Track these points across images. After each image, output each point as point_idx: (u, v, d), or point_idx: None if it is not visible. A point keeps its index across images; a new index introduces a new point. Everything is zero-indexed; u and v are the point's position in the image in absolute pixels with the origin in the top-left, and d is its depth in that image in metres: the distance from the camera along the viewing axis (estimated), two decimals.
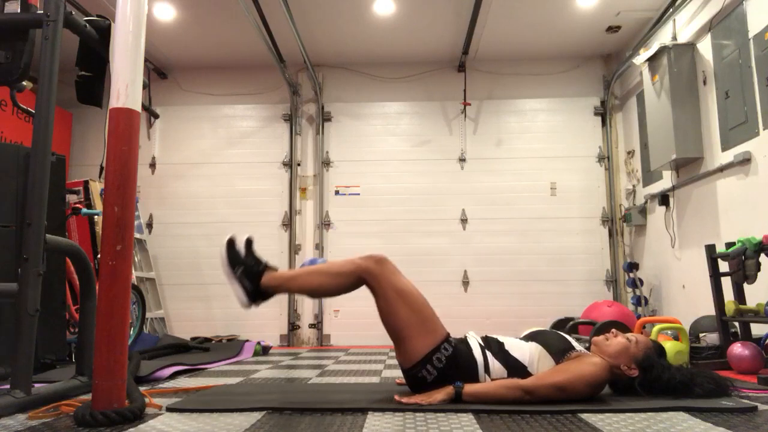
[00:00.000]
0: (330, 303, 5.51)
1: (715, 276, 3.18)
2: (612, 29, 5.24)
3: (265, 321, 5.53)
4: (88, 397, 1.72)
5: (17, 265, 1.87)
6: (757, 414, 1.69)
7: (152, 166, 5.94)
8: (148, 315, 5.08)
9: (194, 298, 5.61)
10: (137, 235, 5.41)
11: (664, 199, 4.73)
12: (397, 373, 2.70)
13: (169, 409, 1.78)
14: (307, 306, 5.62)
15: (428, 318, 1.92)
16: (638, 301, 4.97)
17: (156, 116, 5.98)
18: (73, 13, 2.08)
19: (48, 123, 1.92)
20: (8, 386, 1.83)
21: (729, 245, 3.09)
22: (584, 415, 1.66)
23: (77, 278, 2.49)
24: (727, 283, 3.14)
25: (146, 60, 4.60)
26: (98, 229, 4.49)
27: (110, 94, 1.75)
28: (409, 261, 5.58)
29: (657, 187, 4.89)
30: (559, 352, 1.90)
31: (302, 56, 5.37)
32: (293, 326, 5.61)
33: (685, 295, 4.49)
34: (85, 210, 3.72)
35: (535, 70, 5.88)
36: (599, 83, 5.85)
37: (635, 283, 5.04)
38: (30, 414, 1.72)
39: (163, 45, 5.53)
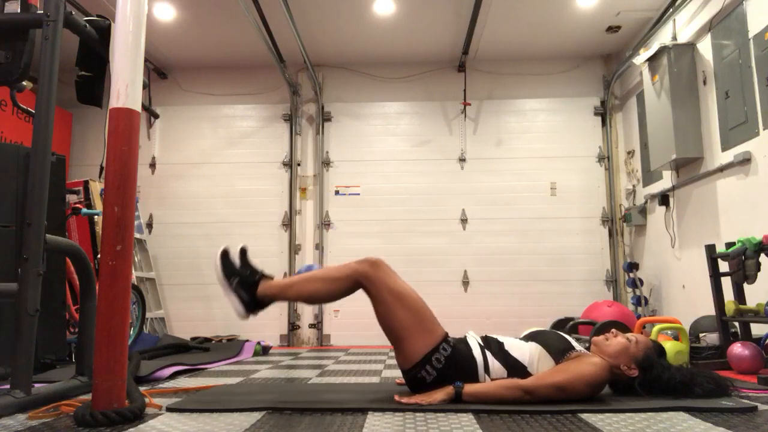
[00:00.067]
0: (330, 303, 5.50)
1: (715, 276, 3.18)
2: (612, 29, 5.24)
3: (265, 321, 5.52)
4: (88, 397, 1.72)
5: (17, 265, 1.87)
6: (757, 414, 1.69)
7: (152, 166, 5.94)
8: (148, 315, 5.08)
9: (194, 298, 5.61)
10: (137, 235, 5.41)
11: (664, 199, 4.73)
12: (397, 373, 2.70)
13: (169, 409, 1.78)
14: (307, 306, 5.62)
15: (426, 318, 1.92)
16: (638, 301, 4.97)
17: (156, 116, 5.98)
18: (73, 13, 2.08)
19: (48, 123, 1.92)
20: (8, 386, 1.83)
21: (729, 245, 3.09)
22: (584, 415, 1.66)
23: (77, 278, 2.50)
24: (727, 283, 3.14)
25: (146, 60, 4.60)
26: (98, 229, 4.49)
27: (110, 94, 1.75)
28: (409, 261, 5.59)
29: (657, 187, 4.89)
30: (559, 352, 1.90)
31: (302, 56, 5.37)
32: (293, 326, 5.61)
33: (685, 295, 4.49)
34: (85, 210, 3.72)
35: (535, 70, 5.88)
36: (599, 83, 5.85)
37: (635, 283, 5.04)
38: (30, 414, 1.72)
39: (163, 45, 5.53)
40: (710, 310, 3.30)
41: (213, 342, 4.68)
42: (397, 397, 1.85)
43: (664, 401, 1.81)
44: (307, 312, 5.64)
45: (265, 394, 2.08)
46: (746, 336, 3.03)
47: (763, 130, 3.42)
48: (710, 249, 3.23)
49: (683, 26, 4.39)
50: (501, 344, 1.97)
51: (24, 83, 2.25)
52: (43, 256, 1.88)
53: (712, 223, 4.03)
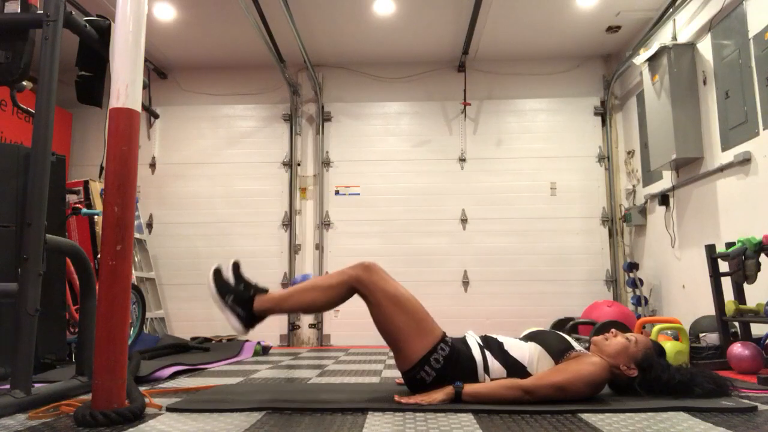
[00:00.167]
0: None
1: (715, 276, 3.18)
2: (612, 29, 5.24)
3: (265, 321, 5.50)
4: (88, 397, 1.72)
5: (17, 265, 1.87)
6: (757, 414, 1.69)
7: (152, 166, 5.94)
8: (148, 315, 5.08)
9: (194, 298, 5.60)
10: (137, 235, 5.41)
11: (664, 199, 4.73)
12: (397, 373, 2.70)
13: (169, 409, 1.78)
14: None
15: (422, 320, 1.92)
16: (638, 301, 4.97)
17: (156, 116, 5.98)
18: (73, 13, 2.08)
19: (48, 123, 1.92)
20: (8, 386, 1.83)
21: (729, 245, 3.09)
22: (584, 415, 1.66)
23: (77, 278, 2.50)
24: (727, 283, 3.14)
25: (146, 60, 4.60)
26: (98, 229, 4.49)
27: (110, 94, 1.74)
28: (409, 261, 5.59)
29: (657, 187, 4.89)
30: (559, 352, 1.90)
31: (302, 56, 5.37)
32: (293, 326, 5.61)
33: (685, 295, 4.49)
34: (85, 210, 3.72)
35: (535, 70, 5.88)
36: (599, 83, 5.85)
37: (635, 283, 5.04)
38: (30, 414, 1.72)
39: (163, 45, 5.53)
40: (710, 310, 3.30)
41: (213, 342, 4.68)
42: (396, 397, 1.85)
43: (664, 401, 1.81)
44: None
45: (265, 394, 2.08)
46: (746, 336, 3.03)
47: (763, 130, 3.42)
48: (710, 249, 3.23)
49: (683, 26, 4.39)
50: (500, 344, 1.97)
51: (24, 83, 2.25)
52: (43, 256, 1.88)
53: (712, 223, 4.03)
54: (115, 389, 1.62)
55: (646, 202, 5.19)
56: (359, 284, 1.93)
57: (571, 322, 3.81)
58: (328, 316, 5.58)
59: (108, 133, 1.72)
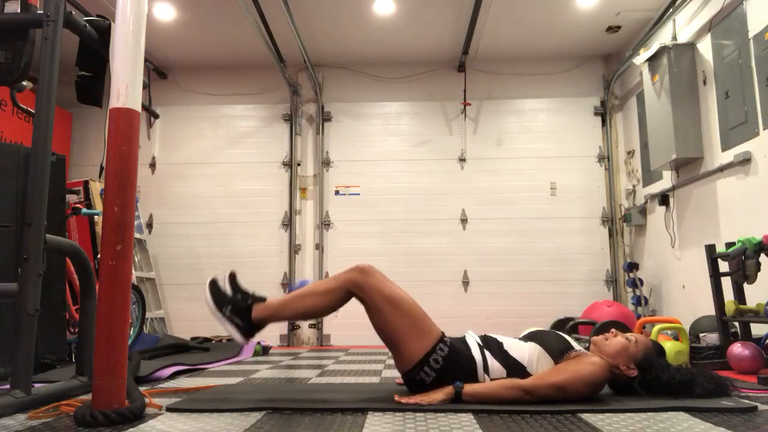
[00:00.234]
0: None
1: (715, 276, 3.18)
2: (612, 29, 5.24)
3: None
4: (88, 397, 1.72)
5: (17, 265, 1.87)
6: (757, 414, 1.69)
7: (152, 166, 5.94)
8: (148, 315, 5.08)
9: (194, 298, 5.60)
10: (137, 235, 5.41)
11: (664, 199, 4.73)
12: (397, 373, 2.69)
13: (169, 409, 1.78)
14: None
15: (420, 320, 1.92)
16: (638, 301, 4.97)
17: (156, 116, 5.98)
18: (73, 13, 2.07)
19: (48, 123, 1.92)
20: (8, 386, 1.83)
21: (729, 245, 3.09)
22: (584, 415, 1.66)
23: (77, 278, 2.50)
24: (727, 283, 3.14)
25: (146, 60, 4.60)
26: (98, 229, 4.49)
27: (110, 94, 1.74)
28: (409, 261, 5.59)
29: (657, 187, 4.89)
30: (558, 352, 1.90)
31: (302, 56, 5.37)
32: (293, 326, 5.61)
33: (685, 295, 4.49)
34: (85, 210, 3.72)
35: (535, 70, 5.88)
36: (599, 83, 5.85)
37: (635, 283, 5.04)
38: (30, 414, 1.72)
39: (163, 45, 5.53)
40: (710, 310, 3.30)
41: (213, 342, 4.68)
42: (396, 397, 1.85)
43: (664, 401, 1.81)
44: None
45: (265, 394, 2.08)
46: (746, 336, 3.03)
47: (763, 130, 3.42)
48: (710, 249, 3.23)
49: (683, 26, 4.39)
50: (500, 344, 1.97)
51: (24, 83, 2.25)
52: (43, 256, 1.88)
53: (712, 223, 4.03)
54: (115, 389, 1.62)
55: (646, 202, 5.19)
56: (356, 288, 1.93)
57: (571, 322, 3.82)
58: (328, 316, 5.57)
59: (108, 133, 1.72)
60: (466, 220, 5.69)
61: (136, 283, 4.92)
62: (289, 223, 5.78)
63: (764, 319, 2.79)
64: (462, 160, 5.80)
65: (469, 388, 1.80)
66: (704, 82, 4.10)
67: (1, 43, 2.01)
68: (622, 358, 1.93)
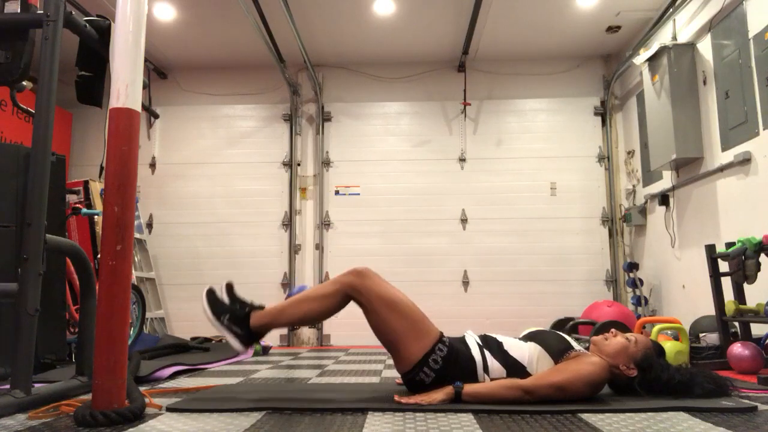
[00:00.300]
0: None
1: (715, 276, 3.18)
2: (612, 29, 5.24)
3: None
4: (88, 397, 1.72)
5: (17, 265, 1.87)
6: (757, 414, 1.70)
7: (152, 166, 5.94)
8: (148, 315, 5.08)
9: (194, 298, 5.55)
10: (137, 235, 5.41)
11: (664, 199, 4.73)
12: (397, 373, 2.70)
13: (169, 409, 1.78)
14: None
15: (419, 321, 1.92)
16: (638, 301, 4.97)
17: (156, 116, 5.98)
18: (73, 13, 2.08)
19: (48, 123, 1.92)
20: (8, 386, 1.83)
21: (729, 245, 3.09)
22: (584, 415, 1.66)
23: (77, 278, 2.50)
24: (727, 283, 3.14)
25: (146, 60, 4.60)
26: (98, 229, 4.49)
27: (110, 94, 1.74)
28: (409, 261, 5.59)
29: (657, 187, 4.89)
30: (558, 352, 1.90)
31: (302, 56, 5.37)
32: (293, 326, 5.60)
33: (685, 295, 4.49)
34: (85, 210, 3.72)
35: (535, 70, 5.88)
36: (599, 83, 5.85)
37: (635, 283, 5.04)
38: (30, 414, 1.72)
39: (163, 45, 5.53)
40: (710, 310, 3.30)
41: (213, 342, 4.68)
42: (396, 397, 1.85)
43: (664, 401, 1.81)
44: None
45: (265, 394, 2.08)
46: (746, 336, 3.03)
47: (763, 130, 3.42)
48: (710, 249, 3.23)
49: (683, 26, 4.39)
50: (500, 344, 1.97)
51: (24, 83, 2.25)
52: (43, 256, 1.88)
53: (712, 223, 4.03)
54: (115, 389, 1.62)
55: (646, 202, 5.19)
56: (353, 291, 1.93)
57: (571, 322, 3.82)
58: None
59: (108, 133, 1.72)
60: (466, 220, 5.69)
61: (136, 283, 4.92)
62: (289, 223, 5.78)
63: (764, 319, 2.79)
64: (462, 160, 5.80)
65: (469, 388, 1.80)
66: (704, 82, 4.10)
67: (1, 43, 2.01)
68: (621, 358, 1.93)
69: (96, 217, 4.46)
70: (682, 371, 1.95)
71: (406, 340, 1.89)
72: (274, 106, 5.98)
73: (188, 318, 5.58)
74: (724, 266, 3.16)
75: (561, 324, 3.86)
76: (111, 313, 1.64)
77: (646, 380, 1.92)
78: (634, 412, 1.70)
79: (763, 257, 2.88)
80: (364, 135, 5.91)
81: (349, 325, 5.45)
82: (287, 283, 5.65)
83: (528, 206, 5.67)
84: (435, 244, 5.66)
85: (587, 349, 2.01)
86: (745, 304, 3.07)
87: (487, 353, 1.93)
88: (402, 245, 5.64)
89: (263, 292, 5.58)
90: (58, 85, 1.97)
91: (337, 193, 5.83)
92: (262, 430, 1.51)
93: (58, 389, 2.01)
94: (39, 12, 2.00)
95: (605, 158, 5.74)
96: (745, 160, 3.59)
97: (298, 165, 5.89)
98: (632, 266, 5.10)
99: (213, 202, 5.85)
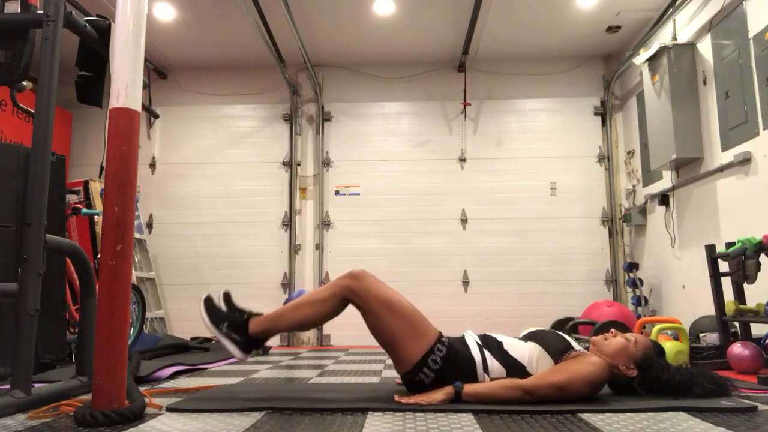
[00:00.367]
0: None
1: (715, 276, 3.18)
2: (612, 29, 5.24)
3: None
4: (88, 397, 1.72)
5: (17, 265, 1.87)
6: (757, 414, 1.70)
7: (152, 166, 5.94)
8: (148, 315, 5.08)
9: (194, 298, 5.53)
10: (137, 235, 5.41)
11: (664, 199, 4.73)
12: (397, 374, 2.70)
13: (169, 409, 1.78)
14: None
15: (417, 322, 1.92)
16: (638, 301, 4.97)
17: (156, 116, 5.98)
18: (73, 13, 2.08)
19: (48, 123, 1.92)
20: (8, 386, 1.83)
21: (729, 245, 3.09)
22: (584, 415, 1.66)
23: (77, 278, 2.50)
24: (727, 283, 3.14)
25: (146, 60, 4.60)
26: (98, 229, 4.49)
27: (110, 94, 1.74)
28: (409, 261, 5.59)
29: (657, 187, 4.89)
30: (558, 352, 1.90)
31: (302, 56, 5.37)
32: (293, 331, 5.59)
33: (685, 295, 4.49)
34: (85, 210, 3.72)
35: (535, 70, 5.88)
36: (599, 83, 5.85)
37: (635, 283, 5.04)
38: (30, 414, 1.72)
39: (163, 45, 5.53)
40: (710, 310, 3.30)
41: (213, 342, 4.67)
42: (396, 397, 1.85)
43: (664, 401, 1.81)
44: None
45: (265, 394, 2.08)
46: (746, 336, 3.03)
47: (763, 130, 3.42)
48: (710, 249, 3.23)
49: (683, 26, 4.39)
50: (500, 343, 1.97)
51: (24, 83, 2.25)
52: (43, 256, 1.88)
53: (712, 223, 4.03)
54: (115, 389, 1.62)
55: (646, 202, 5.19)
56: (351, 294, 1.93)
57: (571, 322, 3.82)
58: None
59: (108, 133, 1.72)
60: (466, 220, 5.69)
61: (136, 283, 4.92)
62: (289, 223, 5.78)
63: (764, 319, 2.79)
64: (462, 160, 5.80)
65: (469, 388, 1.80)
66: (704, 82, 4.10)
67: (1, 43, 2.01)
68: (621, 358, 1.93)
69: (96, 217, 4.46)
70: (682, 371, 1.95)
71: (405, 341, 1.89)
72: (274, 106, 5.98)
73: (188, 318, 5.58)
74: (724, 266, 3.16)
75: (561, 324, 3.86)
76: (111, 313, 1.64)
77: (646, 380, 1.92)
78: (634, 412, 1.70)
79: (763, 257, 2.88)
80: (364, 135, 5.91)
81: (349, 326, 5.41)
82: (287, 283, 5.65)
83: (528, 206, 5.67)
84: (435, 244, 5.66)
85: (587, 349, 2.01)
86: (745, 304, 3.07)
87: (486, 353, 1.93)
88: (402, 245, 5.64)
89: (263, 292, 5.58)
90: (58, 85, 1.97)
91: (337, 193, 5.83)
92: (262, 430, 1.51)
93: (58, 389, 2.01)
94: (39, 12, 2.00)
95: (605, 158, 5.74)
96: (745, 160, 3.59)
97: (298, 165, 5.89)
98: (632, 266, 5.10)
99: (213, 202, 5.85)
